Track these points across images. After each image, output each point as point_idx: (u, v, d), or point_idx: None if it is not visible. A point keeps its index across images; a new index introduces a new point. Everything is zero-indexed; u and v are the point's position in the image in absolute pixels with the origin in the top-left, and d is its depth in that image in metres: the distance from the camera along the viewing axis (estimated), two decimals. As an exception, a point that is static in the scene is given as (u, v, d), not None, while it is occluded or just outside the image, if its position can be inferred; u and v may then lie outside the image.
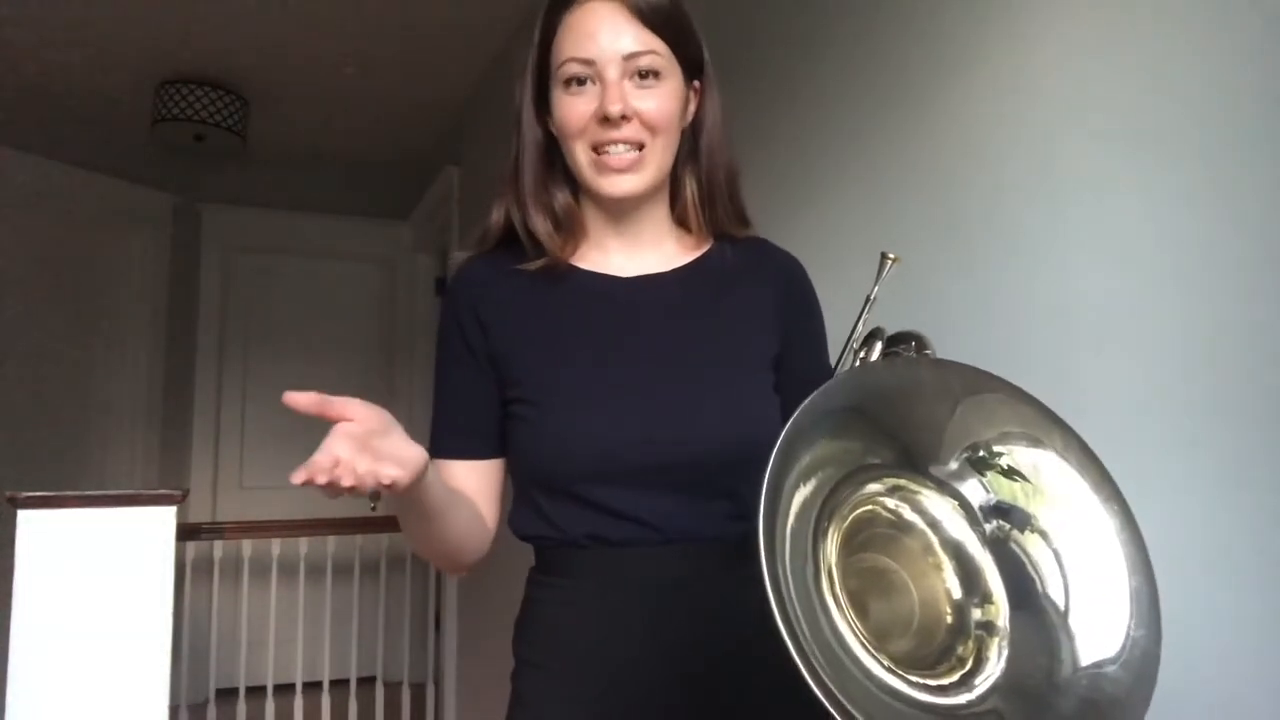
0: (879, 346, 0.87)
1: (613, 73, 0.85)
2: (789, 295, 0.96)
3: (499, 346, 0.91)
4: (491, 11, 2.91)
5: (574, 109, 0.86)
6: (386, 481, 0.68)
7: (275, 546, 3.20)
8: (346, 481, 0.66)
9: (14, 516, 1.90)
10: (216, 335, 4.31)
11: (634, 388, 0.87)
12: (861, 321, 0.88)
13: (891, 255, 0.89)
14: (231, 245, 4.38)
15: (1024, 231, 1.11)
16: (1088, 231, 1.02)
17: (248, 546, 3.24)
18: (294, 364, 4.35)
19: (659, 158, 0.89)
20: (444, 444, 0.93)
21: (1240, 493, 0.85)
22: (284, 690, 3.11)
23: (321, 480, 0.64)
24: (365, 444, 0.67)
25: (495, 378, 0.91)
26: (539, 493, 0.89)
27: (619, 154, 0.86)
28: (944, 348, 1.23)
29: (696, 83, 0.94)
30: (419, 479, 0.73)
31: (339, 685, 3.28)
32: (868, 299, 0.86)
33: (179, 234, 4.25)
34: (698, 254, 0.96)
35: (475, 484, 0.91)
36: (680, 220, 0.96)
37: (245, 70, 3.40)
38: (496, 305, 0.92)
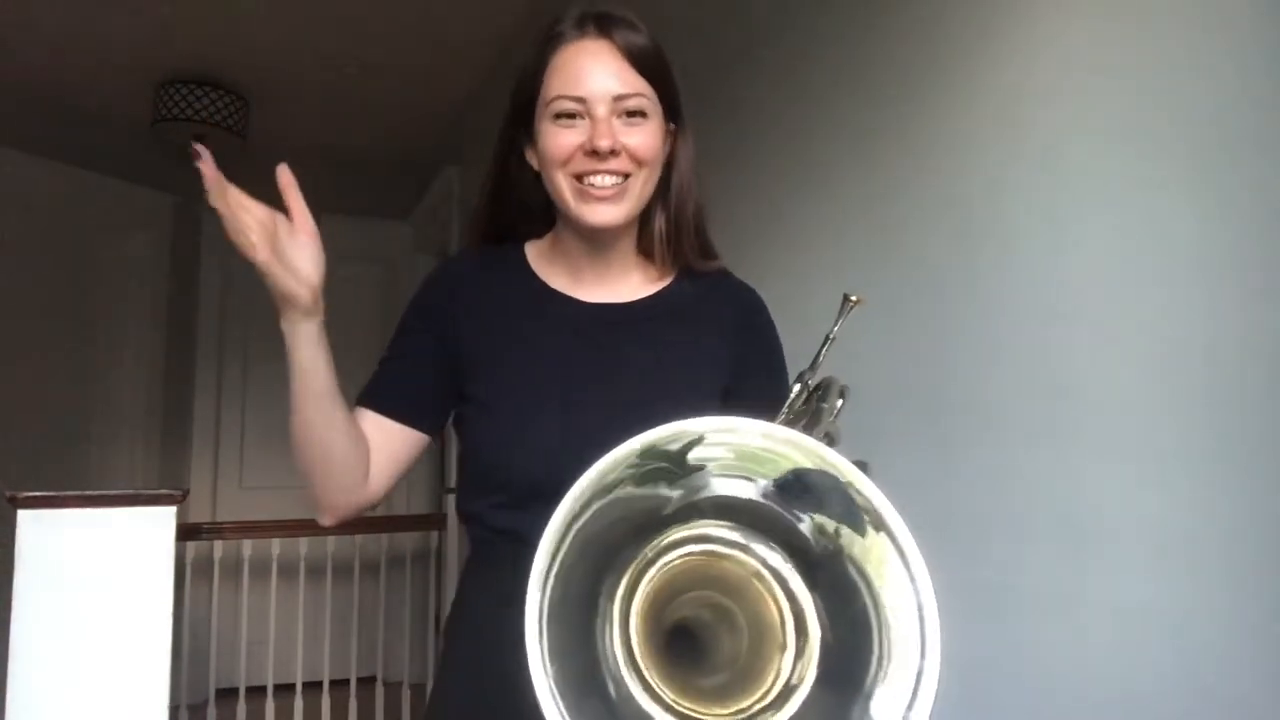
0: (839, 403, 0.85)
1: (602, 110, 0.89)
2: (742, 326, 0.99)
3: (464, 335, 0.97)
4: (492, 12, 2.91)
5: (561, 140, 0.90)
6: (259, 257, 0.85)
7: (275, 546, 3.20)
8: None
9: (14, 516, 1.90)
10: (216, 335, 4.31)
11: (555, 412, 0.91)
12: (821, 357, 0.87)
13: (854, 297, 0.88)
14: (231, 245, 4.37)
15: (1025, 237, 1.11)
16: (1088, 236, 1.02)
17: (248, 546, 3.24)
18: (294, 364, 4.33)
19: (640, 189, 0.93)
20: (371, 393, 0.99)
21: (1239, 493, 0.85)
22: (284, 690, 3.11)
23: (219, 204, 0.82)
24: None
25: (448, 362, 0.96)
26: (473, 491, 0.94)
27: (604, 183, 0.90)
28: (947, 352, 1.23)
29: (672, 125, 0.98)
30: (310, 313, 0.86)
31: (339, 685, 3.28)
32: (827, 338, 0.86)
33: (179, 234, 4.25)
34: (659, 287, 1.00)
35: (378, 440, 0.96)
36: (645, 252, 1.00)
37: (245, 70, 3.40)
38: (471, 299, 0.98)
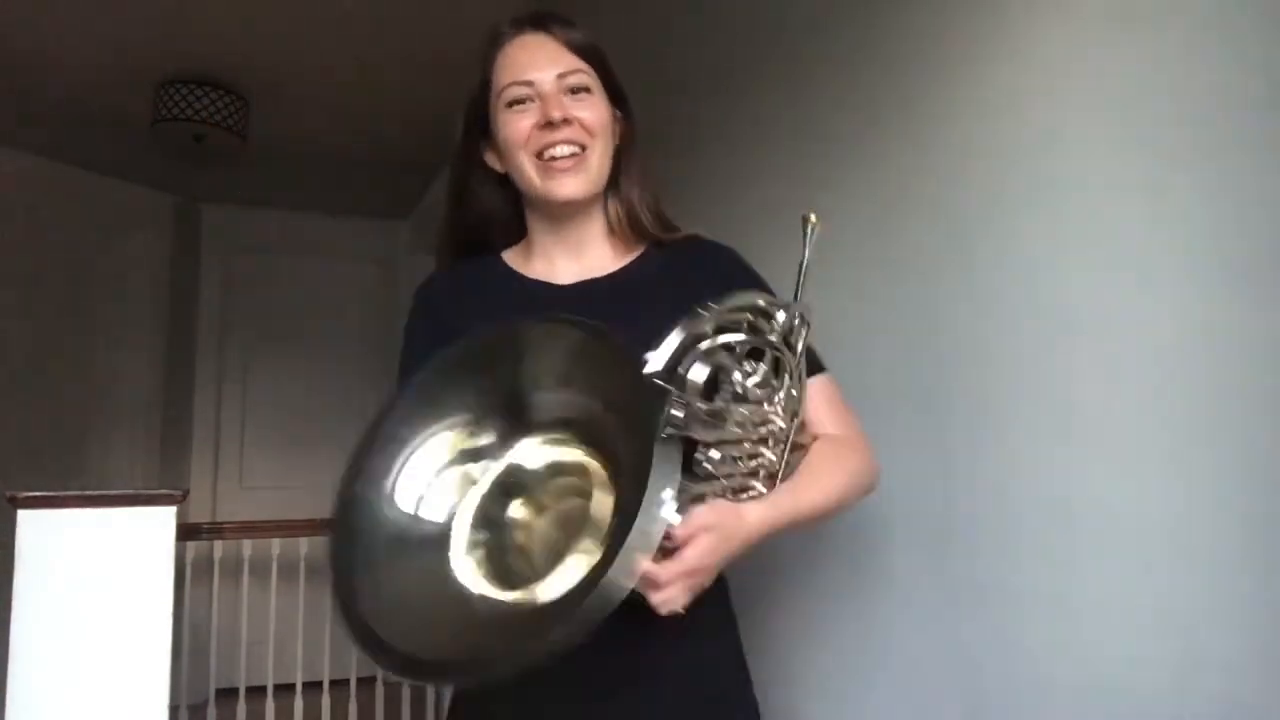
0: (789, 321, 0.89)
1: (549, 87, 0.97)
2: (721, 277, 1.00)
3: (458, 322, 0.99)
4: (491, 12, 2.91)
5: (517, 124, 0.97)
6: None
7: (275, 546, 3.20)
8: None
9: (14, 516, 1.90)
10: (216, 335, 4.30)
11: None
12: (800, 289, 0.90)
13: (812, 217, 0.92)
14: (231, 245, 4.38)
15: (1024, 233, 1.11)
16: (1087, 233, 1.02)
17: (248, 546, 3.23)
18: (294, 364, 4.34)
19: (598, 159, 0.98)
20: None
21: (1240, 493, 0.85)
22: (284, 690, 3.11)
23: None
24: None
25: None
26: None
27: (563, 153, 0.96)
28: (945, 348, 1.23)
29: (619, 113, 1.04)
30: None
31: (339, 685, 3.28)
32: (801, 266, 0.89)
33: (179, 234, 4.25)
34: (630, 259, 1.04)
35: None
36: (610, 233, 1.06)
37: (245, 70, 3.40)
38: (449, 304, 1.03)
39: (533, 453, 0.79)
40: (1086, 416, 1.02)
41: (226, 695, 3.22)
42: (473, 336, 0.84)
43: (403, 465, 0.78)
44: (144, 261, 4.10)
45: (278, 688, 3.10)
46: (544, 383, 0.78)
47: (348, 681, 3.27)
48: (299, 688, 3.11)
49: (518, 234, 1.08)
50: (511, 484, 0.78)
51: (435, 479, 0.78)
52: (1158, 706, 0.92)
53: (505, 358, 0.80)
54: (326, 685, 3.20)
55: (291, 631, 3.18)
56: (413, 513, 0.77)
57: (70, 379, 3.78)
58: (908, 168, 1.31)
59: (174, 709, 2.35)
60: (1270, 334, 0.82)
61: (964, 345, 1.20)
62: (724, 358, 0.81)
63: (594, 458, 0.76)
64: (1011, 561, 1.10)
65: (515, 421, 0.79)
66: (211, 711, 3.15)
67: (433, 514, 0.77)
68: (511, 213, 1.07)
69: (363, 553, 0.75)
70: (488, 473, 0.78)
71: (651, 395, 0.70)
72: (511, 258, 1.06)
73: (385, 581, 0.73)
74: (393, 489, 0.77)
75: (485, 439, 0.79)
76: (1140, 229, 0.96)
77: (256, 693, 3.13)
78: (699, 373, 0.79)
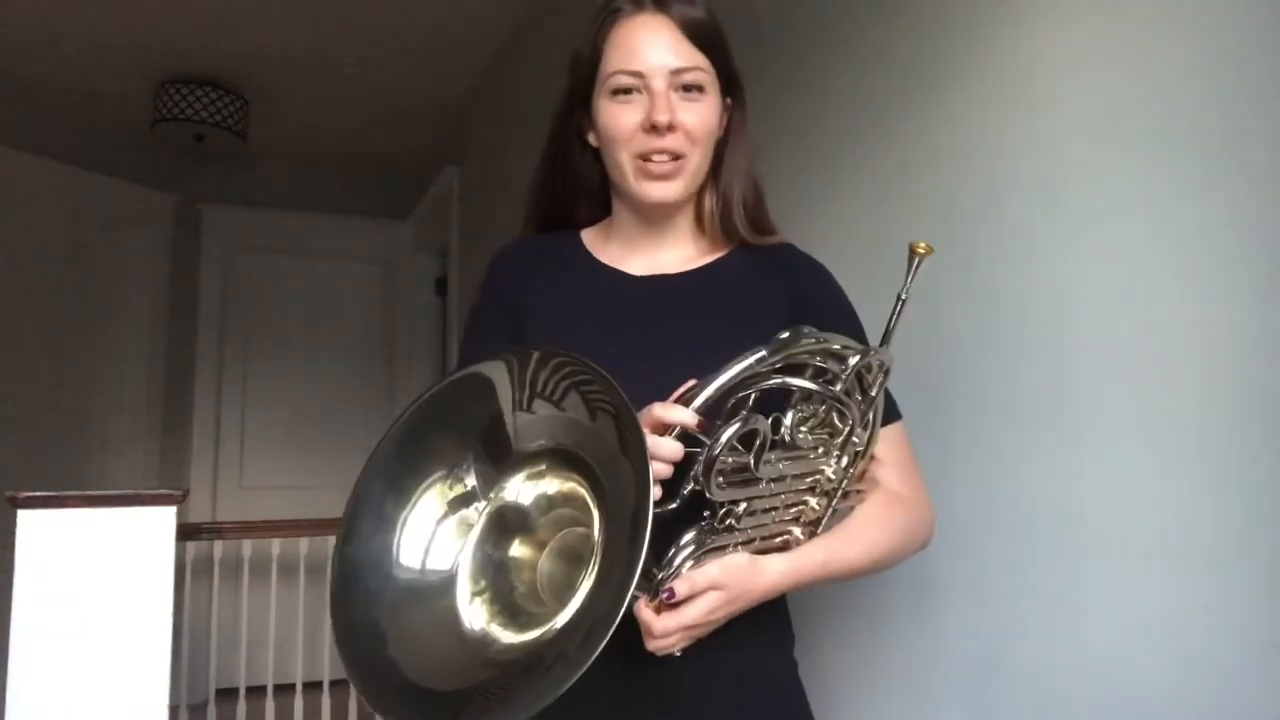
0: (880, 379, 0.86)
1: (660, 84, 0.90)
2: (801, 295, 0.97)
3: (527, 299, 0.98)
4: (491, 11, 2.91)
5: (621, 118, 0.91)
6: None
7: (275, 546, 3.20)
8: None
9: (14, 516, 1.90)
10: (216, 335, 4.31)
11: None
12: (895, 321, 0.85)
13: (921, 246, 0.82)
14: (231, 245, 4.38)
15: (1025, 232, 1.11)
16: (1088, 232, 1.02)
17: (248, 546, 3.23)
18: (294, 364, 4.34)
19: (695, 166, 0.94)
20: None
21: (1240, 493, 0.84)
22: (284, 690, 3.11)
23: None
24: None
25: (515, 329, 0.98)
26: None
27: (661, 161, 0.91)
28: (945, 348, 1.23)
29: (729, 99, 0.99)
30: None
31: (339, 685, 3.28)
32: (899, 298, 0.83)
33: (179, 234, 4.25)
34: (710, 259, 0.99)
35: None
36: (699, 226, 1.01)
37: (245, 70, 3.41)
38: (533, 268, 1.01)
39: (522, 489, 0.78)
40: (1090, 416, 1.02)
41: (226, 695, 3.22)
42: (431, 390, 0.83)
43: (401, 529, 0.77)
44: (143, 261, 4.10)
45: (278, 688, 3.10)
46: (517, 415, 0.78)
47: (347, 681, 3.26)
48: (299, 688, 3.10)
49: (604, 210, 1.04)
50: (509, 523, 0.77)
51: (436, 529, 0.77)
52: (1159, 708, 0.92)
53: (471, 399, 0.79)
54: (326, 685, 3.20)
55: (291, 631, 3.18)
56: (420, 566, 0.76)
57: (70, 379, 3.78)
58: (908, 167, 1.31)
59: (174, 709, 2.35)
60: (1272, 333, 0.82)
61: (964, 344, 1.20)
62: (758, 420, 0.77)
63: (578, 483, 0.75)
64: (1013, 560, 1.10)
65: (497, 460, 0.78)
66: (211, 711, 3.15)
67: (438, 563, 0.76)
68: (601, 187, 1.02)
69: (372, 610, 0.75)
70: (481, 515, 0.77)
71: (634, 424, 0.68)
72: (589, 237, 1.03)
73: (399, 631, 0.74)
74: (397, 552, 0.77)
75: (470, 482, 0.78)
76: (1141, 228, 0.96)
77: (256, 693, 3.13)
78: (731, 430, 0.75)
